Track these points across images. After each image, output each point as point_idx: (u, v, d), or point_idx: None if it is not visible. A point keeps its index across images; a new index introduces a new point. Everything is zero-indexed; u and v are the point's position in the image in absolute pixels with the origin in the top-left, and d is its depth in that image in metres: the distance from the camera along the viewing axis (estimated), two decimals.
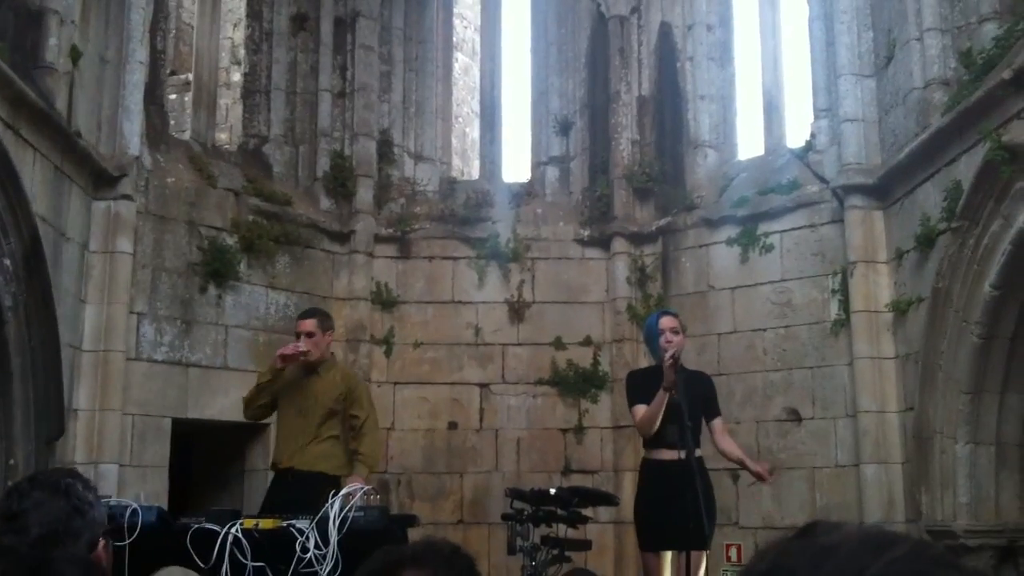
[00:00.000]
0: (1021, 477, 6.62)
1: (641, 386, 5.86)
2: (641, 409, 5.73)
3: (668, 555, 5.71)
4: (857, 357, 7.70)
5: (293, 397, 6.15)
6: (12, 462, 6.18)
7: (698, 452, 5.49)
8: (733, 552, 7.80)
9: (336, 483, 5.95)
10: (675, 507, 5.33)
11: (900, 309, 7.43)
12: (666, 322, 5.83)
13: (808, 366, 8.22)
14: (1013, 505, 6.59)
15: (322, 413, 6.14)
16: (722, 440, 5.90)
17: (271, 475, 6.45)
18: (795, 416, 8.27)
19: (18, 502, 2.15)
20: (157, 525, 4.59)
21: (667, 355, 5.57)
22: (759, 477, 5.74)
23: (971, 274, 6.40)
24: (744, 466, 5.91)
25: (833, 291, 8.09)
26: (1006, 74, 5.83)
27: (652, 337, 5.88)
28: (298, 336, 6.19)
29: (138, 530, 4.51)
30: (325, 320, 6.35)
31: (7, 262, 6.00)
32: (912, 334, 7.25)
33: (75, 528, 2.14)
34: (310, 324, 6.18)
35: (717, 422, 5.90)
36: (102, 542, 2.19)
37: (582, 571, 5.64)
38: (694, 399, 5.47)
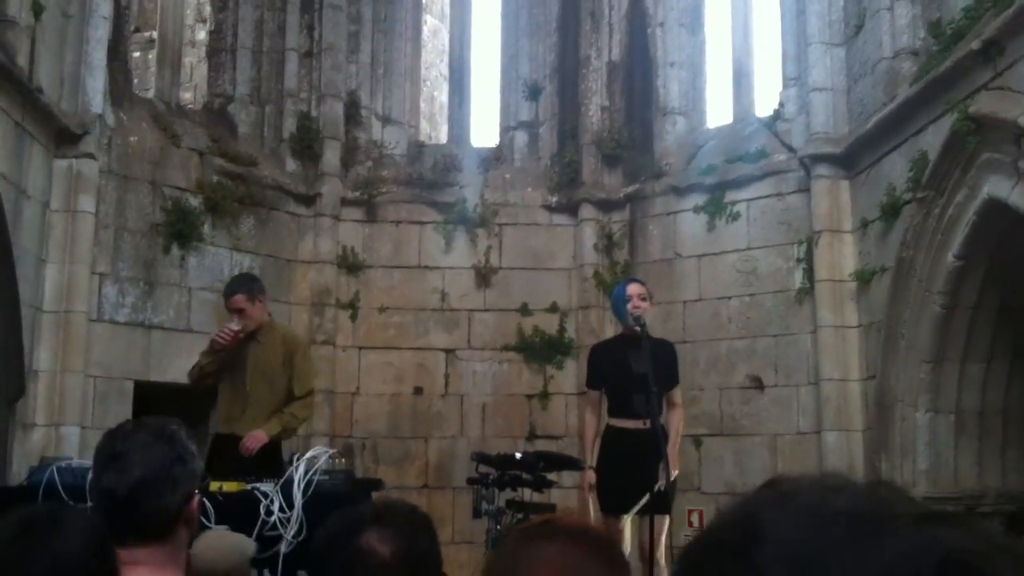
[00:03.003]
0: (979, 445, 6.72)
1: (601, 364, 6.00)
2: (589, 413, 6.07)
3: (628, 519, 5.76)
4: (820, 326, 7.76)
5: (234, 364, 6.00)
6: None
7: (660, 420, 5.53)
8: (695, 517, 7.88)
9: (277, 448, 5.93)
10: (638, 474, 5.38)
11: (864, 278, 7.49)
12: (633, 288, 5.86)
13: (772, 334, 8.28)
14: (971, 472, 6.70)
15: (264, 380, 6.02)
16: (671, 414, 5.97)
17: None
18: (758, 383, 8.34)
19: (122, 443, 2.12)
20: None
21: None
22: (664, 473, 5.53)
23: (935, 244, 6.46)
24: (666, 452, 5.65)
25: (798, 260, 8.14)
26: (975, 45, 5.86)
27: (619, 303, 5.91)
28: (231, 313, 5.95)
29: None
30: (252, 288, 6.07)
31: None
32: (875, 303, 7.31)
33: (175, 475, 2.11)
34: (240, 300, 5.93)
35: (674, 393, 5.96)
36: (196, 496, 2.17)
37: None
38: (658, 367, 5.50)
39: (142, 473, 2.08)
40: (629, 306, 5.77)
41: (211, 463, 5.77)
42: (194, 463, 2.18)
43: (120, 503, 2.07)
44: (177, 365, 8.14)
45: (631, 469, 5.53)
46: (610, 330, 8.60)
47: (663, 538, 5.62)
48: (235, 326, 5.84)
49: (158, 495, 2.08)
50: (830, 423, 7.64)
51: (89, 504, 2.14)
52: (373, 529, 1.91)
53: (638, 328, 5.61)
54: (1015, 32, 5.56)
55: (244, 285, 6.10)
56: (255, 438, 5.75)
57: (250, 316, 5.96)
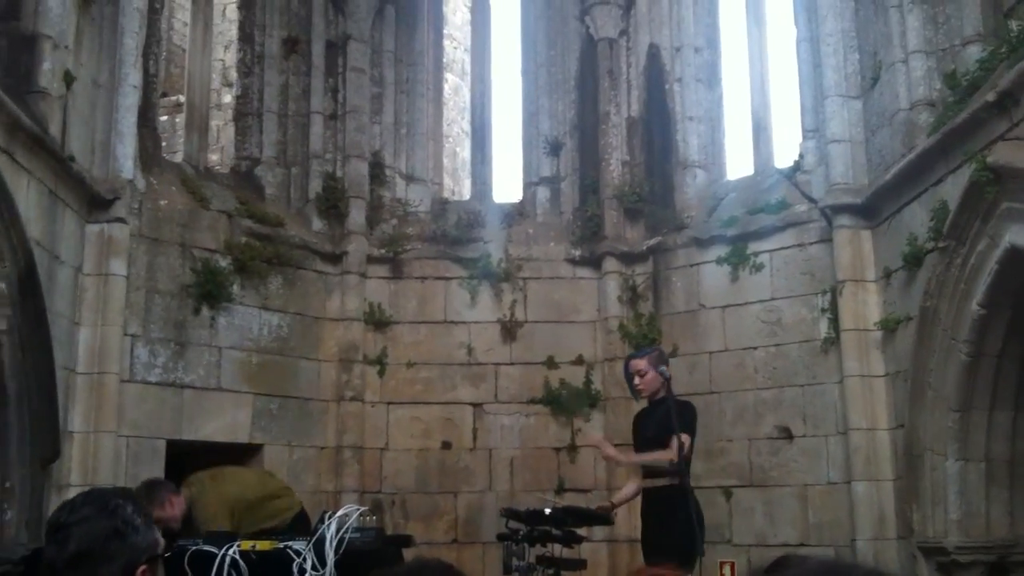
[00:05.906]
0: (1010, 494, 6.67)
1: (638, 430, 6.43)
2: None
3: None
4: (847, 375, 7.76)
5: None
6: (8, 484, 6.18)
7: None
8: (727, 570, 7.84)
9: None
10: (654, 531, 6.00)
11: (889, 327, 7.50)
12: (631, 367, 6.31)
13: (799, 384, 8.28)
14: (1003, 521, 6.64)
15: None
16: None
17: None
18: (786, 434, 8.32)
19: (67, 515, 2.18)
20: None
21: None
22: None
23: (958, 293, 6.47)
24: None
25: (823, 310, 8.15)
26: (990, 96, 5.92)
27: (628, 382, 6.41)
28: None
29: None
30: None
31: (2, 285, 6.02)
32: (901, 352, 7.31)
33: (111, 550, 2.16)
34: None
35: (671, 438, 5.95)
36: (142, 568, 2.22)
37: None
38: (659, 425, 5.95)
39: (78, 547, 2.12)
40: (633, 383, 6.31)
41: None
42: (135, 536, 2.20)
43: (59, 574, 2.12)
44: (208, 424, 8.25)
45: (645, 525, 6.16)
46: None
47: None
48: None
49: (91, 569, 2.13)
50: (860, 473, 7.60)
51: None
52: None
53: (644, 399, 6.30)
54: None
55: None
56: None
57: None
